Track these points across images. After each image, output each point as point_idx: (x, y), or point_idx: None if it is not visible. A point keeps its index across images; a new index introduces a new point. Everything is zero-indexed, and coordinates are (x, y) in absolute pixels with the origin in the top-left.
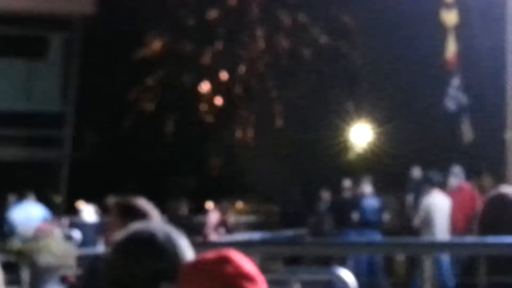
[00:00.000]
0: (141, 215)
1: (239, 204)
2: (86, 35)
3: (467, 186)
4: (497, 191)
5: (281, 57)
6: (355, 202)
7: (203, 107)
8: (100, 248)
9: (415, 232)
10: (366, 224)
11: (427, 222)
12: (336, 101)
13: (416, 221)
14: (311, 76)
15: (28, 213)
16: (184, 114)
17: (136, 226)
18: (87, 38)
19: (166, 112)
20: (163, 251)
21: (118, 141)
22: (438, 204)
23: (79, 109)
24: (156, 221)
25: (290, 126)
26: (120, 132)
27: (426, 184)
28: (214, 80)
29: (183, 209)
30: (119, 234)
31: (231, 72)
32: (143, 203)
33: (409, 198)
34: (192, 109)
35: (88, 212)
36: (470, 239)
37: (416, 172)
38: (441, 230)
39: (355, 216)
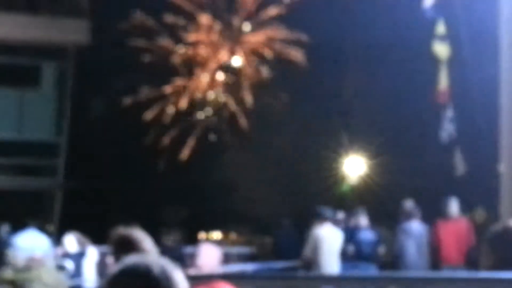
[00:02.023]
0: (136, 246)
1: (232, 235)
2: (79, 64)
3: (462, 218)
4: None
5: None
6: (350, 234)
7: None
8: (86, 279)
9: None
10: (361, 257)
11: (316, 253)
12: (330, 133)
13: (307, 252)
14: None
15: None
16: (177, 144)
17: (131, 259)
18: (81, 67)
19: (160, 142)
20: (158, 284)
21: (112, 171)
22: (327, 237)
23: (72, 138)
24: (150, 252)
25: (284, 158)
26: (114, 161)
27: (317, 217)
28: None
29: (173, 239)
30: (115, 267)
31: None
32: (139, 234)
33: (398, 229)
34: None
35: (70, 242)
36: (464, 273)
37: (409, 205)
38: (329, 262)
39: (349, 248)
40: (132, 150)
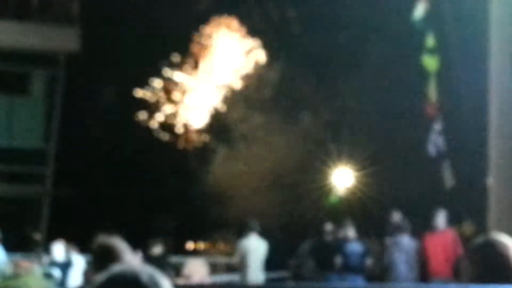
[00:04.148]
0: (117, 257)
1: (220, 245)
2: (69, 72)
3: (449, 230)
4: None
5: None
6: (338, 246)
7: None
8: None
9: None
10: (349, 269)
11: (243, 262)
12: (319, 145)
13: (235, 260)
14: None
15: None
16: (167, 154)
17: (119, 267)
18: (71, 75)
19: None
20: None
21: (100, 179)
22: (253, 247)
23: (61, 146)
24: (131, 262)
25: (272, 169)
26: (103, 170)
27: (247, 229)
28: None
29: (158, 248)
30: (101, 275)
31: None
32: (120, 245)
33: (388, 242)
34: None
35: (59, 250)
36: (453, 286)
37: (396, 216)
38: (255, 270)
39: (337, 260)
40: (121, 159)
